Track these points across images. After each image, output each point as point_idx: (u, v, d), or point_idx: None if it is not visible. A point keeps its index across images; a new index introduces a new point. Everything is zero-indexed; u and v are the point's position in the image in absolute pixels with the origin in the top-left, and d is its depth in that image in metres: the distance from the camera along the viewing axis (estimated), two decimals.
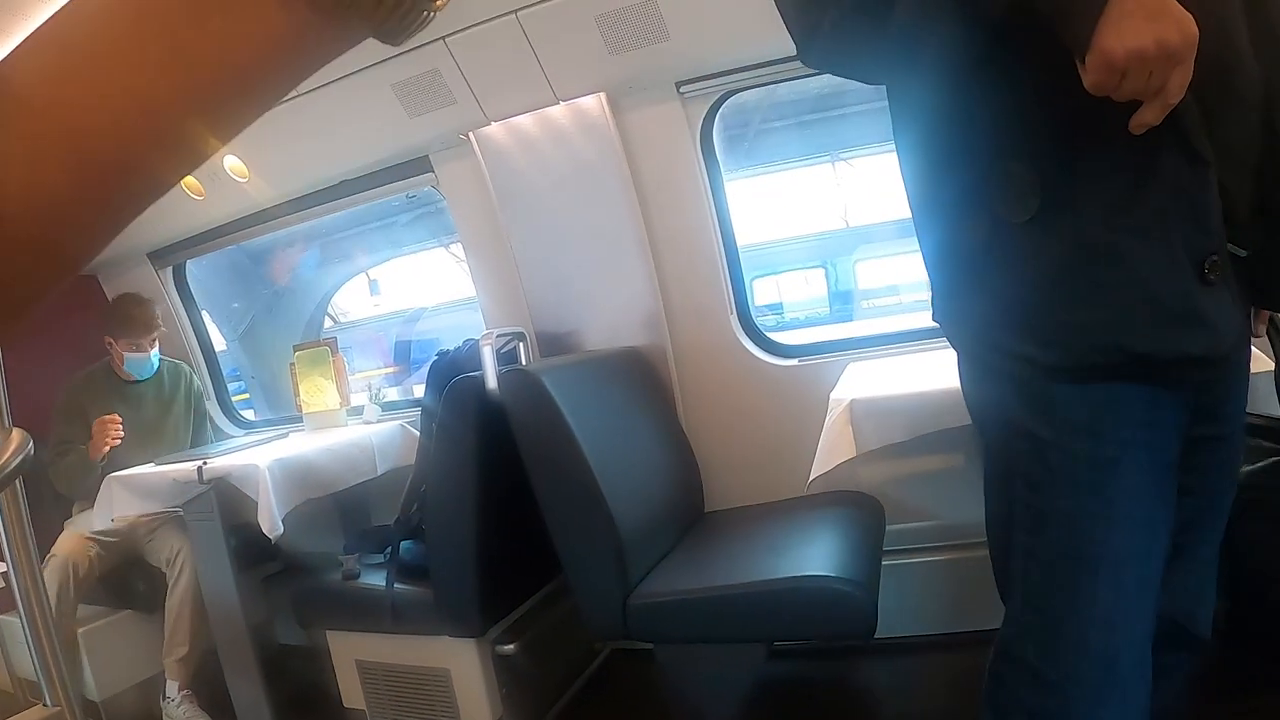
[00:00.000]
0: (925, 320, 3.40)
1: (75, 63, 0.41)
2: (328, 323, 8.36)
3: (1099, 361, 1.28)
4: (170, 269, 4.72)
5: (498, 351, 3.17)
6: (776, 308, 7.41)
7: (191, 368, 4.43)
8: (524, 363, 3.08)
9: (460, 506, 2.81)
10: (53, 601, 3.47)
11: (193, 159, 0.46)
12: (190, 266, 4.85)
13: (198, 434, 4.33)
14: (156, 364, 4.10)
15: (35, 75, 0.41)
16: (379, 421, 4.09)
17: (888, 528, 3.07)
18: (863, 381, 2.87)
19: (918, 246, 1.54)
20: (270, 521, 3.25)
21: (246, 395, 6.41)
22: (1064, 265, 1.27)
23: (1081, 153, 1.24)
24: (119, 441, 3.79)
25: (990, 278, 1.37)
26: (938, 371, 2.57)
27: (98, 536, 3.72)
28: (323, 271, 8.01)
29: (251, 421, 4.99)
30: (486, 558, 2.83)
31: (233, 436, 4.69)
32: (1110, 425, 1.33)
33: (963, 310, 1.45)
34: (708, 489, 3.47)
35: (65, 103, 0.41)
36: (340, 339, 8.58)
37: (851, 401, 2.39)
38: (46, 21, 0.42)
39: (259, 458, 3.39)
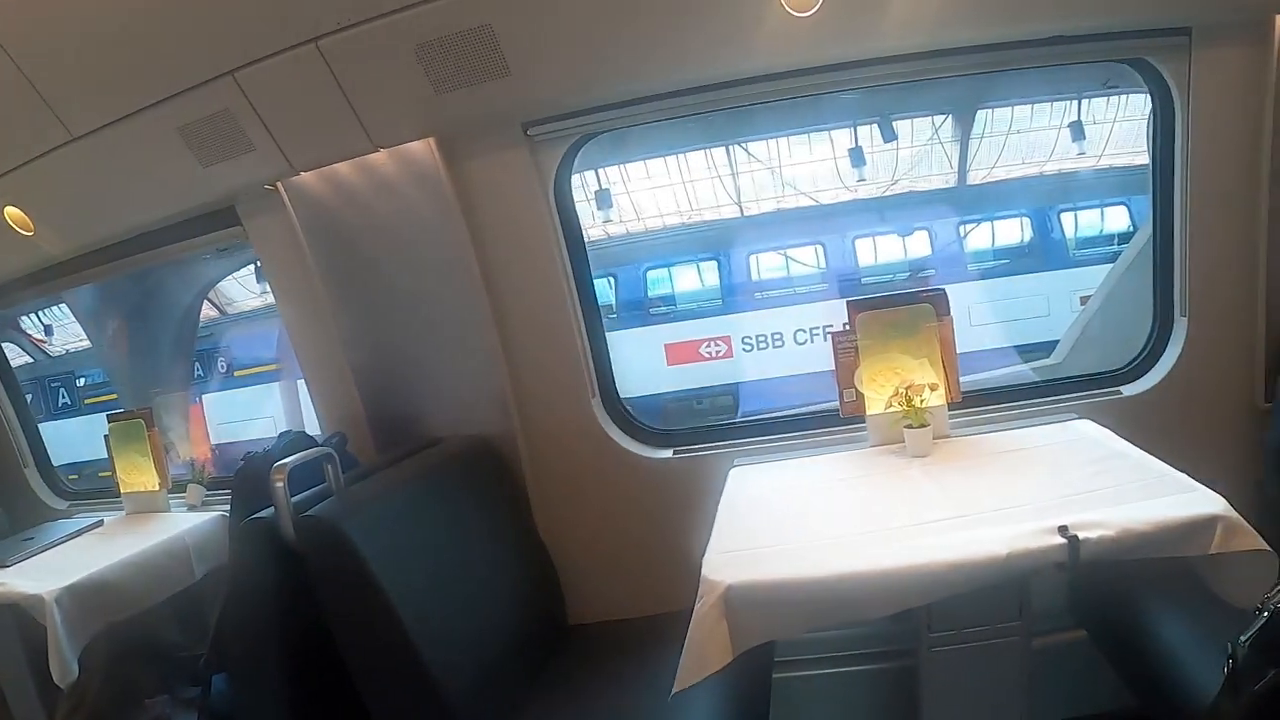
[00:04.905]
0: (813, 403, 2.93)
1: None
2: (212, 313, 7.87)
3: None
4: None
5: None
6: (669, 299, 7.58)
7: None
8: (332, 484, 2.57)
9: (263, 664, 2.38)
10: None
11: None
12: None
13: None
14: None
15: None
16: (204, 504, 3.72)
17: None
18: (746, 508, 2.50)
19: None
20: (60, 668, 2.86)
21: (115, 396, 6.34)
22: None
23: None
24: None
25: None
26: (834, 518, 2.30)
27: None
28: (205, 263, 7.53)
29: (75, 489, 4.48)
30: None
31: (57, 510, 4.25)
32: None
33: None
34: (571, 598, 3.11)
35: None
36: (227, 333, 8.09)
37: (727, 588, 1.91)
38: None
39: (49, 580, 2.98)
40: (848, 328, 2.78)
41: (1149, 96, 2.85)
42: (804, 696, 2.95)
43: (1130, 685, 2.45)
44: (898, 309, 2.75)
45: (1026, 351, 5.88)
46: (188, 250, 3.60)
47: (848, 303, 2.80)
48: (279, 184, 3.03)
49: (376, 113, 2.79)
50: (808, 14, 2.37)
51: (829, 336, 2.83)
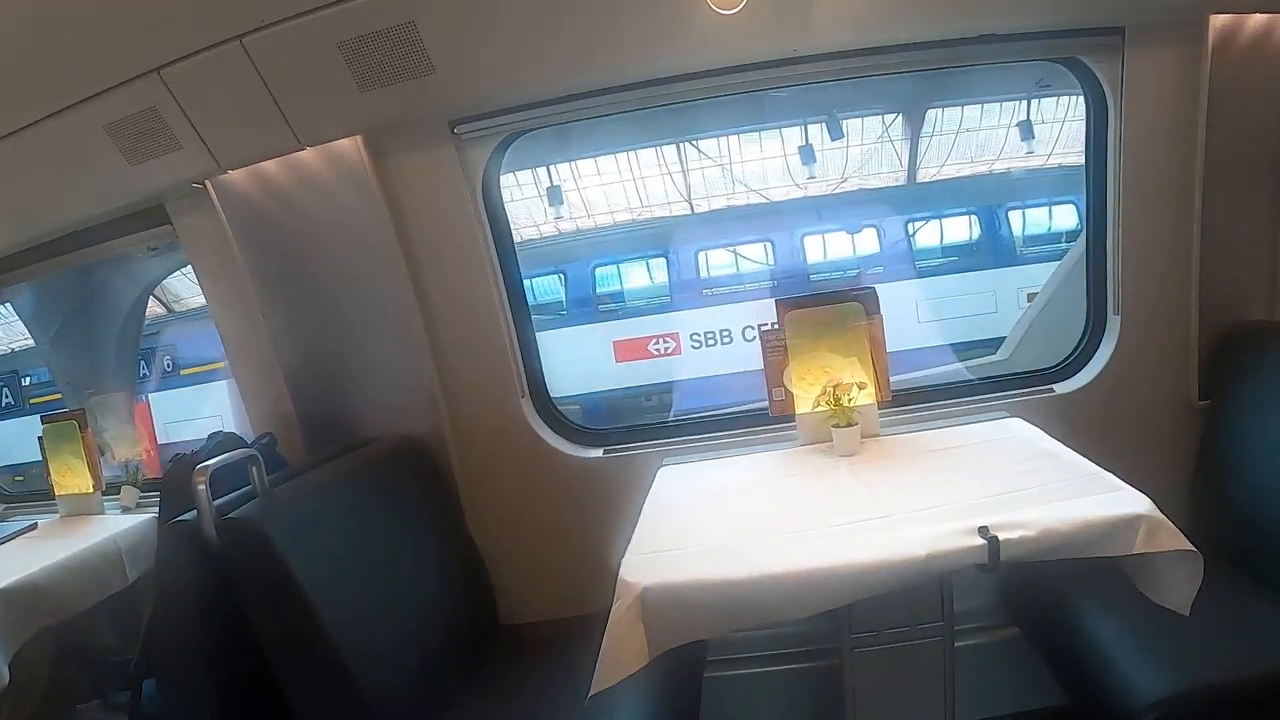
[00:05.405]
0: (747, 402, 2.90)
1: None
2: (159, 311, 7.75)
3: None
4: None
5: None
6: (618, 296, 7.58)
7: None
8: (256, 485, 2.53)
9: (189, 667, 2.34)
10: None
11: None
12: None
13: None
14: None
15: None
16: (138, 506, 3.66)
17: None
18: (670, 508, 2.50)
19: None
20: None
21: (60, 396, 6.01)
22: None
23: None
24: None
25: None
26: (757, 518, 2.28)
27: None
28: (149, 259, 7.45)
29: (10, 492, 4.39)
30: None
31: None
32: None
33: None
34: (503, 597, 3.09)
35: None
36: (175, 331, 7.98)
37: (644, 590, 1.89)
38: None
39: None
40: (777, 326, 2.78)
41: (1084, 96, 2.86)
42: (735, 695, 2.95)
43: (1063, 682, 2.46)
44: (827, 307, 2.76)
45: (973, 348, 5.90)
46: (118, 249, 3.55)
47: (776, 301, 2.80)
48: (207, 182, 2.97)
49: (302, 111, 2.75)
50: (732, 11, 2.35)
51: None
